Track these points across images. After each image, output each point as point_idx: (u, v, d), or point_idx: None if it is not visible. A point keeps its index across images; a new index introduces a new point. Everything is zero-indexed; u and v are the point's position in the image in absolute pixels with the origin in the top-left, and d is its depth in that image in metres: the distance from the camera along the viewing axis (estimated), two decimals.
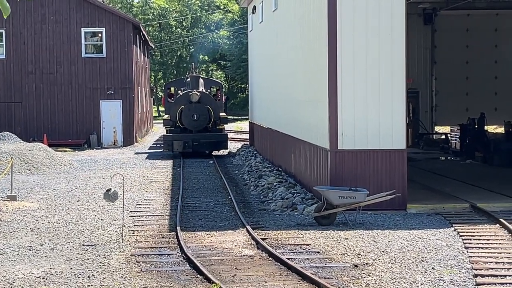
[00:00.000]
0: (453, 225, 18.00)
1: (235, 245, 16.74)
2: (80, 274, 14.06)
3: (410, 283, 12.98)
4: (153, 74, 74.17)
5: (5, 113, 46.56)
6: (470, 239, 16.30)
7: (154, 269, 14.53)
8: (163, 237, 17.85)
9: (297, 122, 26.80)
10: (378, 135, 20.50)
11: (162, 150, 41.04)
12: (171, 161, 35.60)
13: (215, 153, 39.26)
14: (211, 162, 36.20)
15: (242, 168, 33.52)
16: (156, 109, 73.77)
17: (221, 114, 40.60)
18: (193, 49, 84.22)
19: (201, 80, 42.39)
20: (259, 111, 40.73)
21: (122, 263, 15.01)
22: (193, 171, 32.46)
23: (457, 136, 36.33)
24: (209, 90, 42.53)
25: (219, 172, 31.64)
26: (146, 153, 42.21)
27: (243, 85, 66.16)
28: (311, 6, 23.48)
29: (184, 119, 37.72)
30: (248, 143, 45.48)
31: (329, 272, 13.92)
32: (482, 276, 13.15)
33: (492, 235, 16.77)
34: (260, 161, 34.55)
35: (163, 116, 47.23)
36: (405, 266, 14.20)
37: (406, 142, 21.17)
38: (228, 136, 41.64)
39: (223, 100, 47.18)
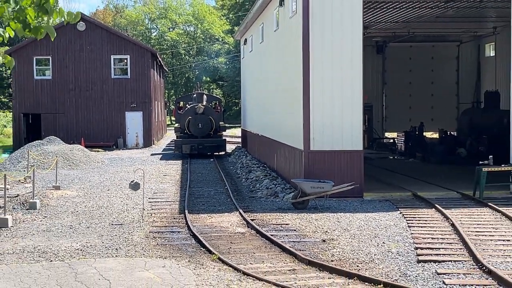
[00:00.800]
0: (399, 209, 18.19)
1: (230, 225, 16.96)
2: (110, 247, 14.36)
3: (366, 254, 13.25)
4: (166, 91, 74.03)
5: (52, 122, 46.15)
6: (412, 220, 16.51)
7: (167, 243, 14.74)
8: (174, 218, 17.96)
9: (279, 129, 26.49)
10: (341, 139, 20.55)
11: (173, 151, 40.52)
12: (181, 160, 35.34)
13: (215, 153, 38.71)
14: (212, 160, 35.85)
15: (236, 165, 33.39)
16: (169, 118, 73.72)
17: (220, 123, 40.45)
18: (197, 72, 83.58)
19: (204, 96, 42.27)
20: (249, 121, 40.35)
21: (143, 238, 15.25)
22: (197, 167, 32.15)
23: (402, 140, 36.77)
24: (211, 104, 42.53)
25: (218, 168, 31.51)
26: (161, 153, 41.59)
27: (236, 100, 66.26)
28: (290, 40, 23.40)
29: (191, 127, 37.67)
30: (240, 145, 45.13)
31: (303, 245, 14.22)
32: (421, 248, 13.45)
33: (429, 217, 16.97)
34: (250, 159, 34.43)
35: (175, 124, 46.71)
36: (362, 241, 14.45)
37: (362, 144, 21.26)
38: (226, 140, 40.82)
39: (222, 112, 47.07)
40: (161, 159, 37.73)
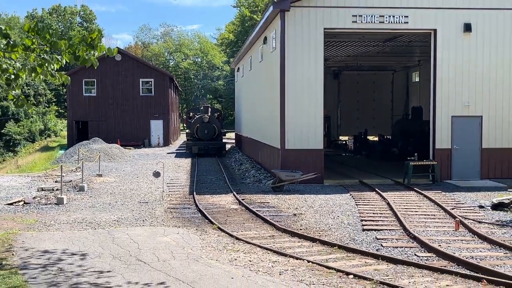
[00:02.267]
0: (349, 192, 18.24)
1: (227, 203, 17.02)
2: (138, 218, 14.51)
3: (325, 224, 13.38)
4: (180, 105, 73.92)
5: (96, 127, 46.28)
6: (359, 200, 16.64)
7: (181, 216, 14.87)
8: (185, 198, 18.01)
9: (263, 133, 26.30)
10: (307, 141, 20.48)
11: (185, 151, 39.78)
12: (190, 158, 34.90)
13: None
14: (214, 157, 35.49)
15: (231, 160, 33.23)
16: (182, 125, 73.88)
17: (221, 130, 39.92)
18: (203, 91, 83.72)
19: (209, 109, 41.61)
20: (241, 127, 39.94)
21: (162, 212, 15.37)
22: (203, 161, 32.00)
23: (352, 142, 36.62)
24: (214, 115, 41.19)
25: (218, 162, 31.36)
26: (175, 152, 41.27)
27: (231, 112, 66.21)
28: (271, 69, 23.25)
29: (199, 133, 36.83)
30: (234, 145, 44.88)
31: (279, 218, 14.29)
32: (365, 220, 13.59)
33: (370, 197, 17.04)
34: (241, 155, 34.31)
35: (186, 130, 46.89)
36: (322, 215, 14.54)
37: (323, 145, 21.14)
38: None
39: (222, 121, 46.88)
40: (175, 156, 37.67)
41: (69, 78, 7.99)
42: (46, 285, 8.36)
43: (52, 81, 8.19)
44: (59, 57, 7.11)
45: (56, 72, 7.63)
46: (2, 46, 6.81)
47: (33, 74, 7.27)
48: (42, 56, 7.31)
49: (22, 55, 7.34)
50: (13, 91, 7.30)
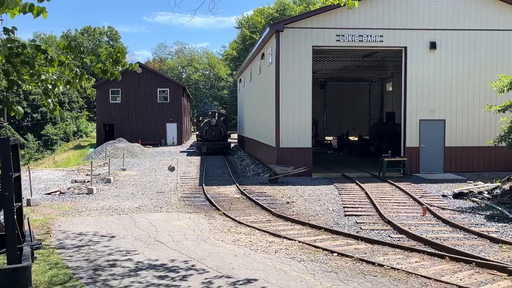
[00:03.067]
0: (334, 183, 18.10)
1: (230, 192, 16.93)
2: (156, 206, 14.43)
3: (313, 210, 13.31)
4: (191, 110, 74.05)
5: (120, 129, 46.10)
6: (341, 190, 16.52)
7: (192, 204, 14.82)
8: (196, 189, 17.89)
9: (261, 134, 26.10)
10: (298, 140, 20.37)
11: (195, 150, 38.25)
12: (200, 155, 34.54)
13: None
14: (220, 155, 34.98)
15: (234, 156, 33.04)
16: (192, 128, 73.86)
17: (227, 132, 38.01)
18: (210, 99, 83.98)
19: (216, 114, 39.97)
20: (243, 129, 39.76)
21: (177, 201, 15.37)
22: (210, 158, 31.69)
23: (336, 142, 36.36)
24: (220, 119, 39.21)
25: (223, 158, 31.17)
26: (187, 150, 40.77)
27: (234, 116, 66.45)
28: (268, 80, 23.14)
29: (207, 134, 35.27)
30: (237, 144, 44.66)
31: (275, 205, 14.22)
32: (347, 207, 13.53)
33: (352, 188, 16.92)
34: (243, 153, 34.29)
35: (196, 132, 46.70)
36: (311, 202, 14.49)
37: (311, 144, 21.01)
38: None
39: (227, 124, 46.20)
40: (187, 154, 37.65)
41: (95, 91, 8.10)
42: (79, 261, 8.37)
43: (81, 92, 8.29)
44: (87, 75, 7.17)
45: (85, 85, 7.69)
46: (41, 61, 6.86)
47: (67, 86, 7.32)
48: (74, 71, 7.35)
49: (58, 69, 7.36)
50: (49, 99, 7.34)
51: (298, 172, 19.27)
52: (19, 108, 7.21)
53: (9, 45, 6.34)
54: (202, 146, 34.67)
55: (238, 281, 7.17)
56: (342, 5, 7.44)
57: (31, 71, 6.73)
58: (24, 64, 6.46)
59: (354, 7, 6.90)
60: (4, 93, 47.84)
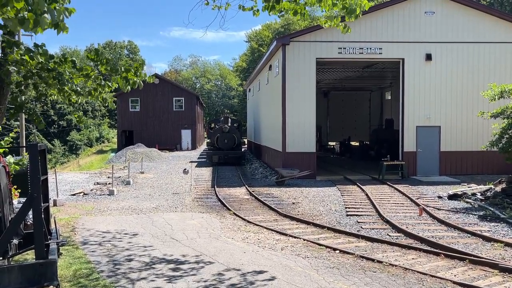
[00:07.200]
0: (336, 185, 18.02)
1: (240, 194, 16.89)
2: (172, 206, 14.37)
3: (317, 211, 13.23)
4: (204, 118, 74.25)
5: (139, 135, 46.22)
6: (344, 192, 16.45)
7: (205, 204, 14.75)
8: (208, 190, 17.83)
9: (269, 139, 26.02)
10: (303, 145, 20.27)
11: (206, 159, 32.33)
12: (210, 167, 32.37)
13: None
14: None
15: (243, 160, 32.91)
16: (205, 134, 74.06)
17: (241, 139, 31.89)
18: (222, 107, 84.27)
19: (229, 119, 32.48)
20: (252, 135, 39.70)
21: (191, 201, 15.35)
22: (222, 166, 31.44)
23: (338, 146, 36.17)
24: (233, 125, 32.19)
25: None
26: (198, 160, 41.29)
27: (244, 123, 66.68)
28: (275, 90, 23.11)
29: (219, 142, 29.47)
30: (246, 149, 43.74)
31: (281, 206, 14.14)
32: (349, 208, 13.46)
33: (353, 190, 16.84)
34: (252, 157, 34.06)
35: (207, 140, 44.00)
36: (315, 203, 14.41)
37: (315, 148, 20.92)
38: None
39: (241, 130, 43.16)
40: (201, 156, 37.57)
41: (114, 99, 8.22)
42: (101, 257, 8.43)
43: (102, 103, 8.40)
44: (109, 83, 7.26)
45: (105, 96, 7.81)
46: (70, 69, 6.98)
47: (89, 97, 7.43)
48: (97, 82, 7.43)
49: (82, 81, 7.47)
50: (79, 112, 7.56)
51: (303, 174, 19.17)
52: (42, 121, 7.50)
53: (40, 59, 6.43)
54: (213, 155, 28.92)
55: (247, 273, 7.21)
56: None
57: (59, 86, 6.83)
58: (55, 80, 6.55)
59: (357, 18, 7.01)
60: (33, 104, 48.48)
